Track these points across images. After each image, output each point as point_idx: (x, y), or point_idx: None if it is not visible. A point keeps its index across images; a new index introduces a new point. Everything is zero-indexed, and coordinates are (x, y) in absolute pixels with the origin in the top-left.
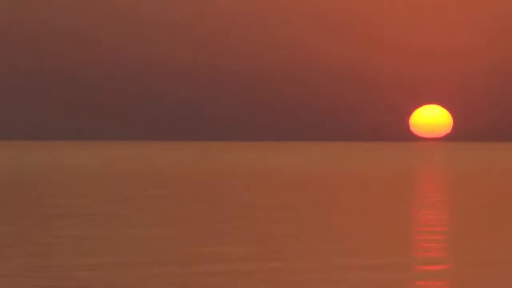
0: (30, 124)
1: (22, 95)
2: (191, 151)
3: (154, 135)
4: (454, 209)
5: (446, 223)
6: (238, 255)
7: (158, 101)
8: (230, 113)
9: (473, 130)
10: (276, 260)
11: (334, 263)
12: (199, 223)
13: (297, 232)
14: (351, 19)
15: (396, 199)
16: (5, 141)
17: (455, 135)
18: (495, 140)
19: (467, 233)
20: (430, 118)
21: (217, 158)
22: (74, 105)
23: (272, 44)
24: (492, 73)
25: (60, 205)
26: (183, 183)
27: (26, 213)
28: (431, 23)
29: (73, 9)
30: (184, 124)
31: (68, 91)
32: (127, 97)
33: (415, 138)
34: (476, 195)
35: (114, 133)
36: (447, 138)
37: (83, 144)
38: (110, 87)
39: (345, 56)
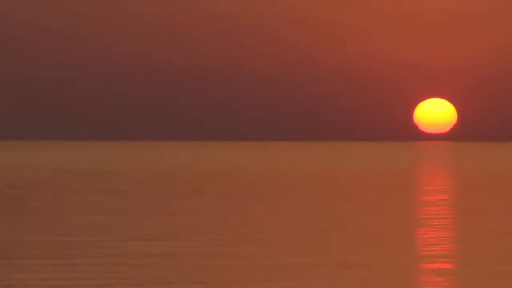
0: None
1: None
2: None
3: (157, 135)
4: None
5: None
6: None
7: (162, 101)
8: (229, 112)
9: (477, 124)
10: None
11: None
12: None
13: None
14: (352, 15)
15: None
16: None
17: (460, 129)
18: (502, 138)
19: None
20: (435, 112)
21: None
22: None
23: (273, 43)
24: (497, 67)
25: None
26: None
27: None
28: (433, 17)
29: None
30: (186, 124)
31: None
32: (128, 96)
33: (419, 133)
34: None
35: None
36: (452, 132)
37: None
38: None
39: (346, 53)
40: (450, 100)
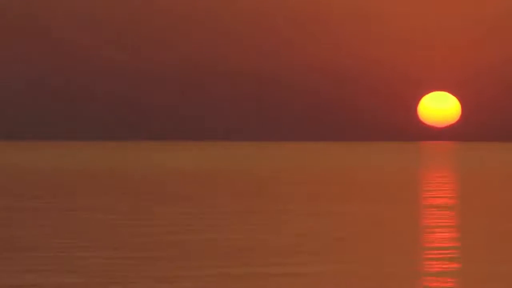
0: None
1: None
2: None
3: (154, 135)
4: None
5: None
6: None
7: (159, 101)
8: (230, 112)
9: (482, 116)
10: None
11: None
12: None
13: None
14: (352, 13)
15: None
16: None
17: (464, 123)
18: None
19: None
20: (439, 105)
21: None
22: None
23: (273, 43)
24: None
25: None
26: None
27: None
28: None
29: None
30: (185, 124)
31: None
32: (127, 97)
33: (423, 127)
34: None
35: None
36: (457, 125)
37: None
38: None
39: (344, 52)
40: (453, 93)
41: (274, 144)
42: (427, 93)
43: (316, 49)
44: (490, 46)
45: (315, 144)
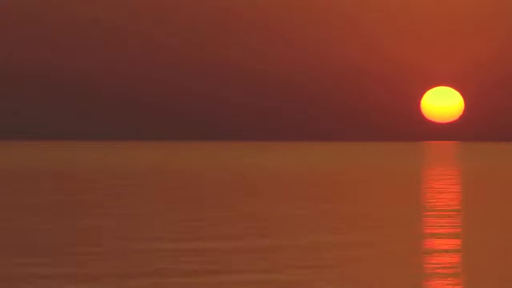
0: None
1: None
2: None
3: (161, 135)
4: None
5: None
6: None
7: (169, 100)
8: (232, 112)
9: (486, 111)
10: None
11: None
12: None
13: None
14: (351, 10)
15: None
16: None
17: (468, 118)
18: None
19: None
20: (441, 102)
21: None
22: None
23: (274, 43)
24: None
25: None
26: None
27: None
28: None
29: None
30: (193, 124)
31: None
32: (133, 95)
33: (426, 123)
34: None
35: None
36: (460, 121)
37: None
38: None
39: (346, 52)
40: (456, 88)
41: (274, 144)
42: (430, 88)
43: (316, 48)
44: (493, 44)
45: (314, 144)
